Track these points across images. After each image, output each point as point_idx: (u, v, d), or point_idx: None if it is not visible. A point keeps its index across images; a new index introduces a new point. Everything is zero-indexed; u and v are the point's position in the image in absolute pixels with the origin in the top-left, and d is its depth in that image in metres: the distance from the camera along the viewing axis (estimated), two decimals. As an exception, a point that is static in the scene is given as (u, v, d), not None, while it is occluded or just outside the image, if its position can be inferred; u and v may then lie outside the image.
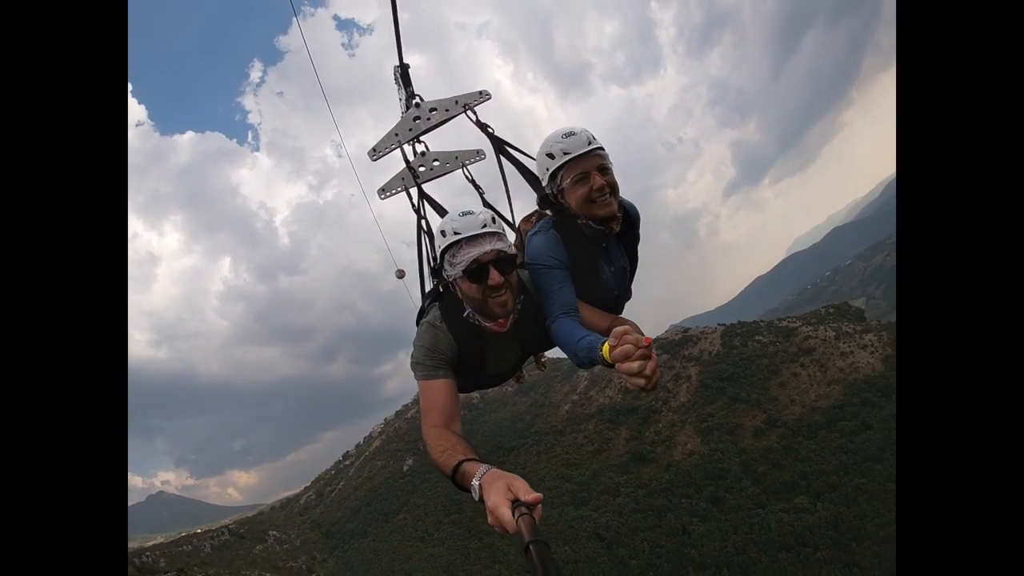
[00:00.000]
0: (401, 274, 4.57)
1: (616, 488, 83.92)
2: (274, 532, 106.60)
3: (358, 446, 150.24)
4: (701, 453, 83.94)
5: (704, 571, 67.04)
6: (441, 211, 4.05)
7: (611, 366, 1.98)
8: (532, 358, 3.86)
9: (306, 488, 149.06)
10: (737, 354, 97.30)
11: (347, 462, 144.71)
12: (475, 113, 3.81)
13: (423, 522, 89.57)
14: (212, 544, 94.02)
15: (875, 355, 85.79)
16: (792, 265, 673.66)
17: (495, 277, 2.35)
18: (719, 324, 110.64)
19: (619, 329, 1.92)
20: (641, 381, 1.85)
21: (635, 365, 1.82)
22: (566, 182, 2.66)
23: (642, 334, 1.91)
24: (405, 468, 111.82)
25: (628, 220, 2.89)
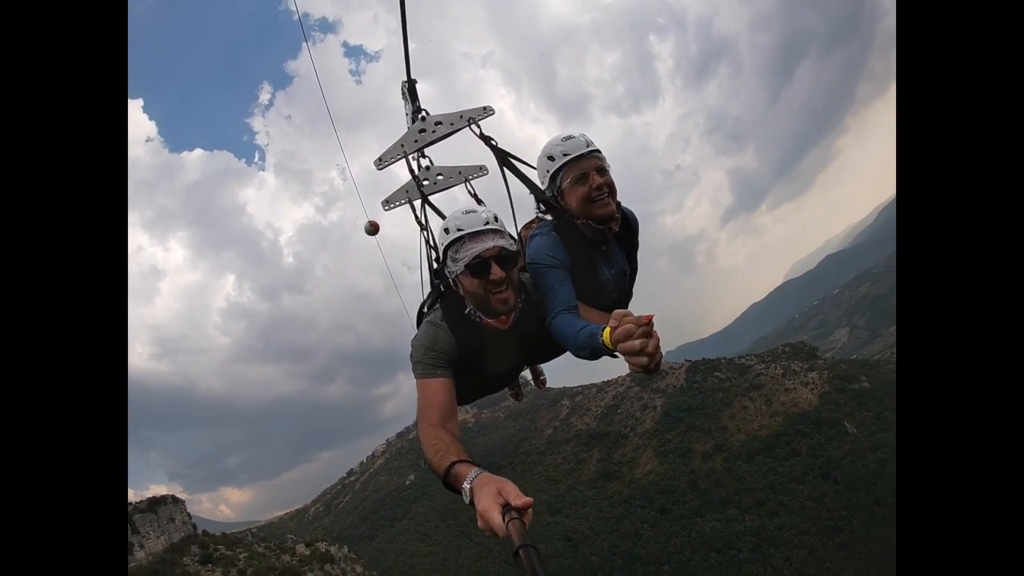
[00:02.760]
0: (372, 228, 4.48)
1: (585, 500, 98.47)
2: (291, 535, 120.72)
3: (362, 464, 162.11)
4: (657, 472, 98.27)
5: (649, 566, 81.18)
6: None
7: (612, 353, 1.98)
8: (532, 380, 4.30)
9: (314, 501, 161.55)
10: (697, 388, 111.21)
11: (351, 479, 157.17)
12: (479, 127, 3.80)
13: (423, 526, 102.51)
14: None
15: (814, 391, 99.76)
16: (787, 292, 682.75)
17: (497, 272, 2.33)
18: (686, 360, 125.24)
19: (619, 311, 1.90)
20: (643, 359, 1.80)
21: (637, 343, 1.78)
22: (566, 183, 2.70)
23: None
24: (407, 482, 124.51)
25: (627, 225, 2.95)
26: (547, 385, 4.34)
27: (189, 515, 51.61)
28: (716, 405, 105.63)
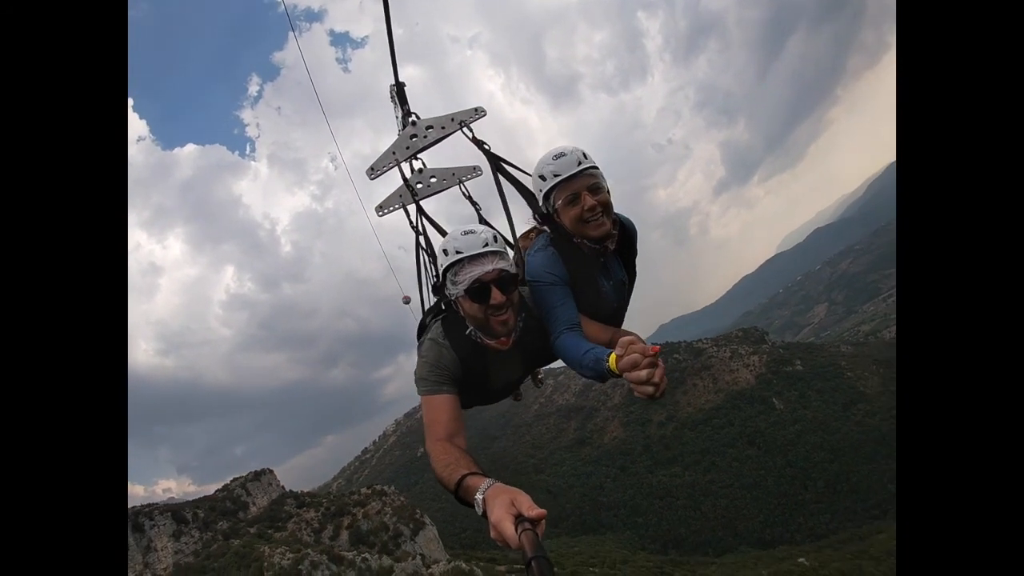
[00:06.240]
0: (407, 300, 4.56)
1: (563, 461, 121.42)
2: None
3: (375, 443, 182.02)
4: (620, 438, 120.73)
5: (609, 510, 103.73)
6: (438, 227, 4.08)
7: (618, 376, 1.96)
8: (531, 378, 3.97)
9: (335, 477, 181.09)
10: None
11: (367, 456, 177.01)
12: (471, 130, 3.74)
13: (434, 489, 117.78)
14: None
15: (752, 372, 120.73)
16: (777, 265, 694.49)
17: (497, 296, 2.31)
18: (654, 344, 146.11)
19: (625, 339, 1.90)
20: (649, 389, 1.81)
21: (643, 374, 1.79)
22: (559, 203, 2.64)
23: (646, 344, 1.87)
24: (419, 454, 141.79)
25: (625, 235, 2.89)
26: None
27: (280, 482, 72.80)
28: (672, 383, 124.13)
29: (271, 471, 73.45)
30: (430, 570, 46.58)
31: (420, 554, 53.15)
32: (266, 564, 46.71)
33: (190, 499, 67.10)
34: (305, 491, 76.12)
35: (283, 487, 73.18)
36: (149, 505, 60.65)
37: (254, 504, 68.14)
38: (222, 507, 65.53)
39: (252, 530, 60.84)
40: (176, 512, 60.02)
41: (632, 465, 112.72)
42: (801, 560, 57.57)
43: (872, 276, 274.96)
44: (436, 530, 65.83)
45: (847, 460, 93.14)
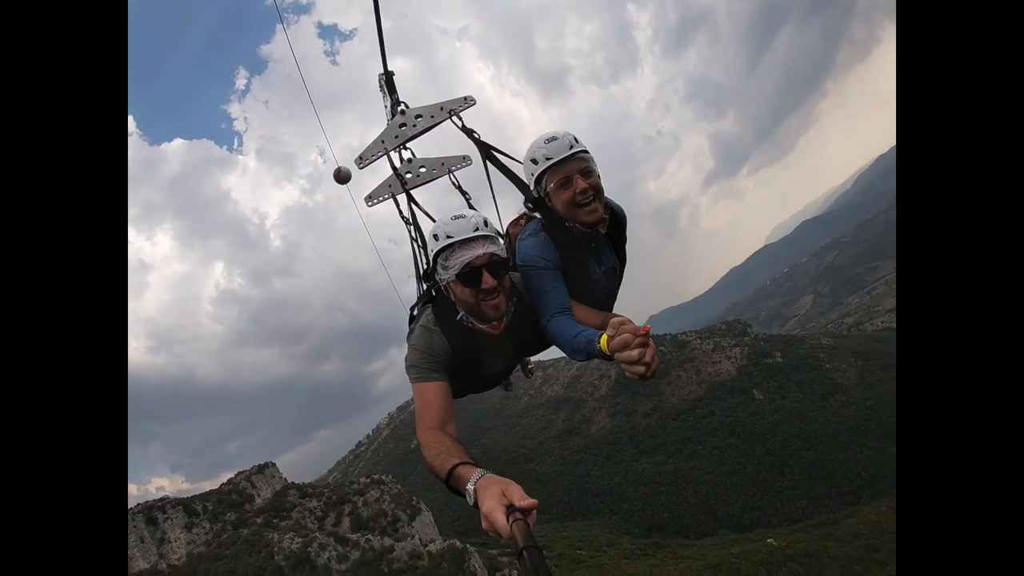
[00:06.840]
0: (341, 177, 4.17)
1: (552, 451, 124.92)
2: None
3: (369, 436, 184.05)
4: (607, 428, 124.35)
5: (596, 497, 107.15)
6: (429, 216, 4.05)
7: (610, 358, 1.96)
8: (521, 368, 4.04)
9: (330, 471, 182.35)
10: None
11: (361, 449, 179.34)
12: (460, 119, 3.72)
13: (427, 479, 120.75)
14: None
15: (734, 364, 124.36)
16: (765, 256, 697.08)
17: (488, 280, 2.30)
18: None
19: (616, 320, 1.91)
20: (641, 368, 1.82)
21: (634, 353, 1.80)
22: (551, 186, 2.65)
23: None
24: (412, 446, 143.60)
25: (615, 220, 2.89)
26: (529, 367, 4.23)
27: (283, 475, 76.78)
28: (657, 374, 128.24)
29: (274, 464, 77.59)
30: (427, 548, 50.71)
31: (418, 537, 57.31)
32: (276, 549, 50.75)
33: (190, 495, 70.88)
34: (303, 483, 80.00)
35: (285, 479, 77.16)
36: (160, 500, 64.41)
37: (259, 496, 72.26)
38: (229, 499, 69.64)
39: (259, 520, 64.89)
40: (187, 505, 64.16)
41: (618, 454, 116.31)
42: (770, 540, 60.82)
43: (857, 269, 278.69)
44: (432, 516, 69.91)
45: (823, 448, 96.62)
